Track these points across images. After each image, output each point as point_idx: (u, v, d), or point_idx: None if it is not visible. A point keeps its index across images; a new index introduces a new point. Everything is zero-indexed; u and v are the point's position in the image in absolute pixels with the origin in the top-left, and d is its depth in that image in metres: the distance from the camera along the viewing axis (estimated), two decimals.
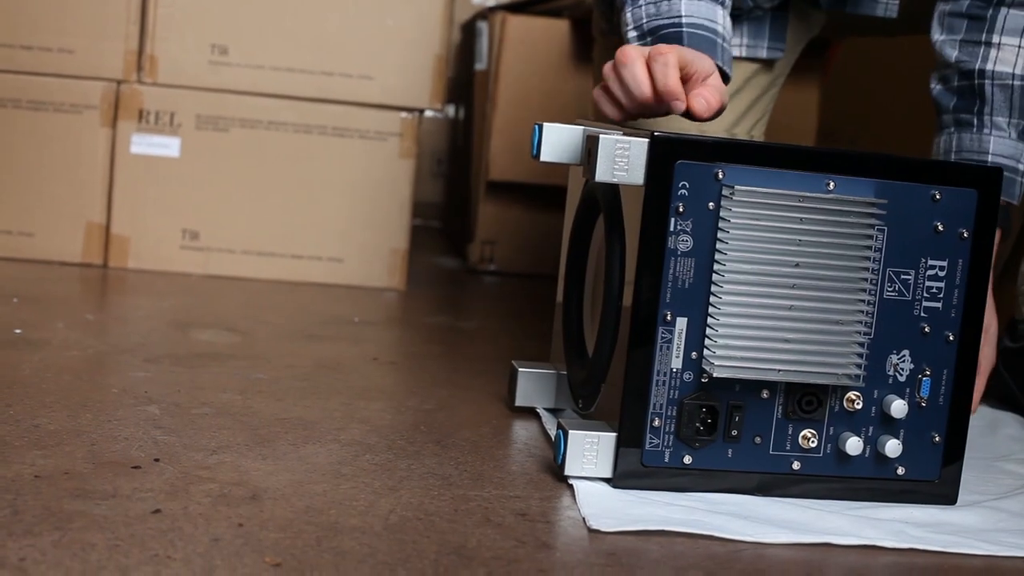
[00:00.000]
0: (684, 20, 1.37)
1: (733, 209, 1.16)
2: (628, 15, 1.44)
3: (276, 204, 2.33)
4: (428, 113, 2.70)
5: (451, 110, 3.35)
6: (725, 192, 1.16)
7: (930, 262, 1.20)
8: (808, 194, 1.17)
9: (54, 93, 2.29)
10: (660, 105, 1.29)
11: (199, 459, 1.19)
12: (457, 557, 1.00)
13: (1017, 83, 1.44)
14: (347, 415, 1.39)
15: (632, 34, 1.42)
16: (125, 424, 1.28)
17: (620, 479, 1.20)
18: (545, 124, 1.29)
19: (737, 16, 1.74)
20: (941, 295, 1.21)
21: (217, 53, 2.31)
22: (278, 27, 2.32)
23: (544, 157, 1.31)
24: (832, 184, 1.18)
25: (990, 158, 1.45)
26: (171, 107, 2.31)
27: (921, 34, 1.65)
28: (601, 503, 1.15)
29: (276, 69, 2.33)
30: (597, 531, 1.09)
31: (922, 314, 1.21)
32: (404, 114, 2.34)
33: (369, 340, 1.88)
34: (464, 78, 3.04)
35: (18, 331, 1.68)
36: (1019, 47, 1.44)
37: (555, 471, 1.23)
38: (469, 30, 2.99)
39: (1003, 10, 1.44)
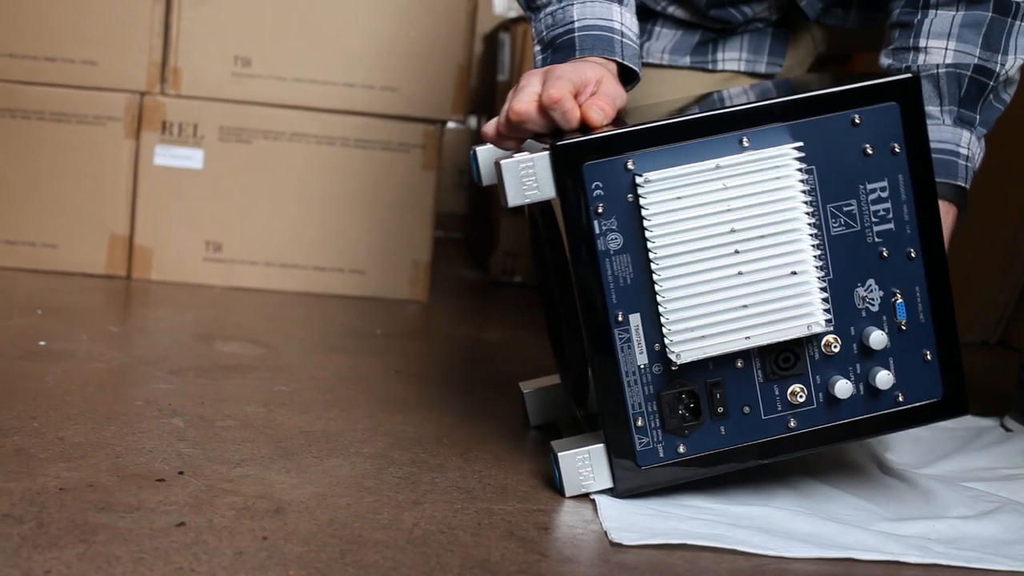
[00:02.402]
0: (576, 25, 1.36)
1: (651, 196, 1.14)
2: (532, 30, 1.44)
3: (299, 216, 2.33)
4: (450, 124, 2.70)
5: (473, 121, 3.35)
6: (639, 181, 1.14)
7: (869, 186, 1.18)
8: (724, 158, 1.15)
9: (78, 105, 2.30)
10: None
11: (223, 472, 1.19)
12: (481, 571, 1.00)
13: (943, 71, 1.43)
14: (370, 428, 1.40)
15: (536, 48, 1.42)
16: (149, 436, 1.29)
17: (623, 489, 1.20)
18: (478, 149, 1.28)
19: (737, 30, 1.75)
20: (890, 215, 1.19)
21: (240, 65, 2.32)
22: (301, 39, 2.32)
23: (485, 181, 1.31)
24: (746, 140, 1.16)
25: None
26: (194, 119, 2.32)
27: None
28: (623, 517, 1.15)
29: (299, 81, 2.33)
30: (619, 545, 1.09)
31: (876, 239, 1.18)
32: (426, 125, 2.35)
33: (392, 352, 1.88)
34: (486, 89, 3.04)
35: (42, 343, 1.68)
36: (945, 48, 1.43)
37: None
38: (491, 41, 3.00)
39: (929, 13, 1.43)
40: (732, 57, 1.77)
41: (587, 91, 1.26)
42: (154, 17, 2.31)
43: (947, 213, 1.39)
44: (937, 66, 1.42)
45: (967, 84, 1.42)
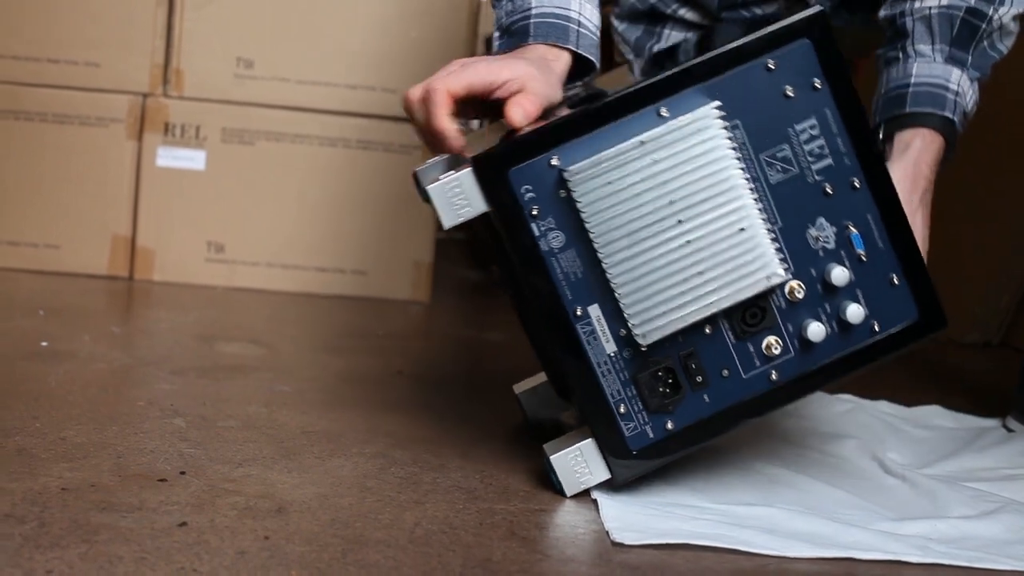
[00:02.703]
0: (533, 11, 1.35)
1: (581, 187, 1.14)
2: (494, 17, 1.43)
3: (301, 217, 2.34)
4: None
5: (476, 123, 3.35)
6: (566, 176, 1.14)
7: (798, 128, 1.17)
8: (646, 134, 1.14)
9: (80, 106, 2.30)
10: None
11: (225, 472, 1.19)
12: (482, 571, 1.01)
13: (935, 11, 1.43)
14: (372, 428, 1.40)
15: (495, 35, 1.41)
16: (151, 437, 1.29)
17: (622, 478, 1.20)
18: (418, 170, 1.27)
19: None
20: (826, 151, 1.18)
21: (243, 66, 2.32)
22: (303, 40, 2.32)
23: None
24: (664, 111, 1.15)
25: (913, 80, 1.43)
26: (197, 120, 2.32)
27: None
28: (625, 517, 1.15)
29: (301, 82, 2.33)
30: (621, 544, 1.09)
31: (817, 177, 1.18)
32: None
33: (393, 353, 1.88)
34: None
35: (44, 343, 1.68)
36: None
37: None
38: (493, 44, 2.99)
39: None
40: None
41: (506, 88, 1.24)
42: (157, 19, 2.31)
43: (932, 142, 1.40)
44: (930, 8, 1.42)
45: (959, 25, 1.42)
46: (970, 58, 1.43)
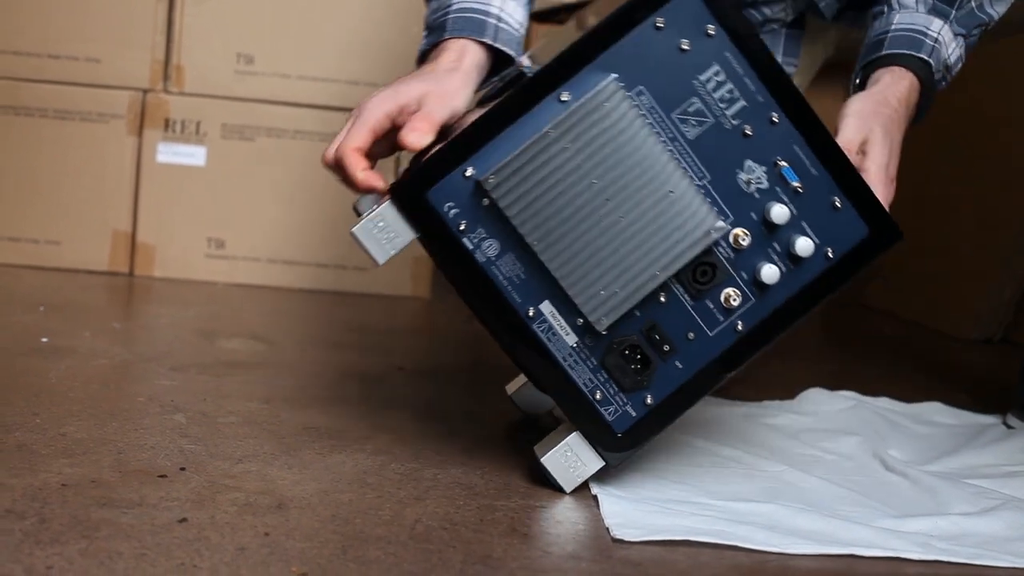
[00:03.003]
0: (453, 7, 1.34)
1: (501, 191, 1.14)
2: (424, 16, 1.43)
3: (301, 213, 2.34)
4: None
5: None
6: (484, 184, 1.13)
7: (702, 77, 1.16)
8: (552, 123, 1.13)
9: (81, 102, 2.30)
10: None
11: (225, 468, 1.19)
12: (483, 567, 1.00)
13: None
14: (373, 424, 1.39)
15: (423, 34, 1.41)
16: (151, 433, 1.29)
17: (616, 461, 1.20)
18: (356, 202, 1.25)
19: None
20: (736, 93, 1.17)
21: (243, 62, 2.32)
22: (303, 36, 2.32)
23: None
24: (565, 95, 1.14)
25: (892, 27, 1.43)
26: (197, 116, 2.32)
27: None
28: (625, 513, 1.15)
29: (302, 78, 2.33)
30: (621, 541, 1.09)
31: (734, 122, 1.17)
32: None
33: (394, 349, 1.88)
34: None
35: (45, 339, 1.68)
36: None
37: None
38: None
39: None
40: None
41: (404, 115, 1.24)
42: (157, 15, 2.31)
43: (901, 78, 1.39)
44: None
45: None
46: (954, 12, 1.43)
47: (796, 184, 1.18)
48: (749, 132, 1.17)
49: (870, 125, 1.32)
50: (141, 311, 2.12)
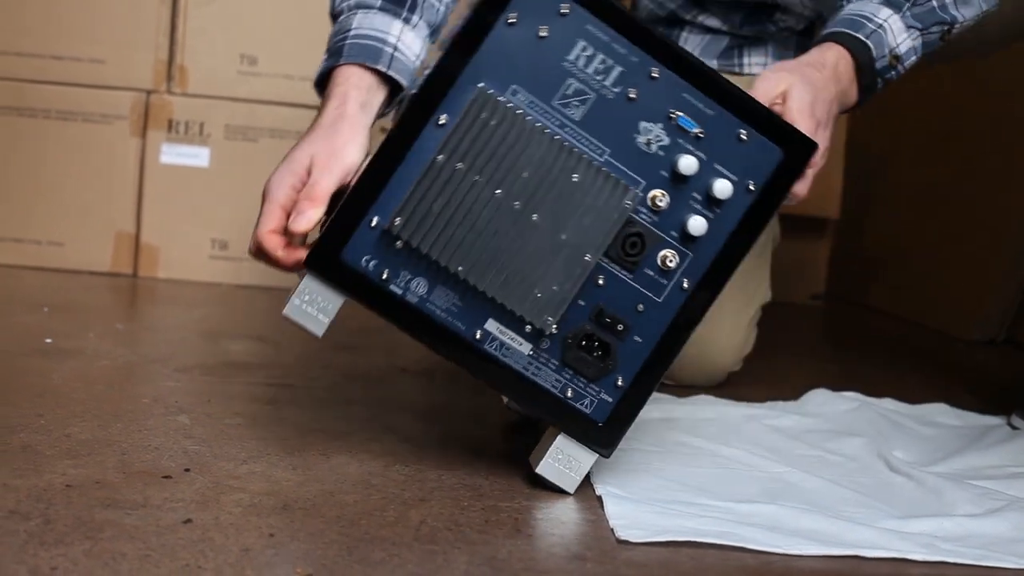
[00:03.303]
0: (351, 32, 1.33)
1: (410, 230, 1.14)
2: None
3: None
4: None
5: None
6: (392, 229, 1.13)
7: (571, 57, 1.15)
8: (437, 149, 1.13)
9: (84, 103, 2.30)
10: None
11: (230, 469, 1.19)
12: (488, 568, 1.00)
13: None
14: (377, 426, 1.39)
15: (324, 56, 1.40)
16: (156, 434, 1.29)
17: (608, 450, 1.20)
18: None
19: (764, 39, 1.76)
20: (610, 61, 1.16)
21: (246, 63, 2.32)
22: (306, 37, 2.32)
23: None
24: (443, 118, 1.14)
25: (841, 14, 1.45)
26: (200, 117, 2.32)
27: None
28: (630, 514, 1.15)
29: (305, 79, 2.32)
30: (626, 542, 1.09)
31: (615, 90, 1.16)
32: None
33: (397, 350, 1.88)
34: None
35: (49, 340, 1.68)
36: None
37: (584, 482, 1.23)
38: None
39: None
40: (758, 62, 1.78)
41: (306, 180, 1.24)
42: (161, 16, 2.32)
43: (829, 48, 1.40)
44: None
45: None
46: (909, 5, 1.44)
47: (696, 131, 1.17)
48: (633, 95, 1.16)
49: (788, 79, 1.32)
50: (145, 312, 2.12)
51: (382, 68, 1.29)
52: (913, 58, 1.45)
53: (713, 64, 1.78)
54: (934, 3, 1.46)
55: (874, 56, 1.41)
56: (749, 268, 1.79)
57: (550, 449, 1.20)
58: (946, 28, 1.47)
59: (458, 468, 1.26)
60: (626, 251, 1.17)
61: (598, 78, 1.16)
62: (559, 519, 1.14)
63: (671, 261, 1.18)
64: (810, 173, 1.27)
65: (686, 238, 1.18)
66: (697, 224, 1.17)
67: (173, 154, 2.33)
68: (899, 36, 1.43)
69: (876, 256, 2.92)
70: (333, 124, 1.27)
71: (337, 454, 1.27)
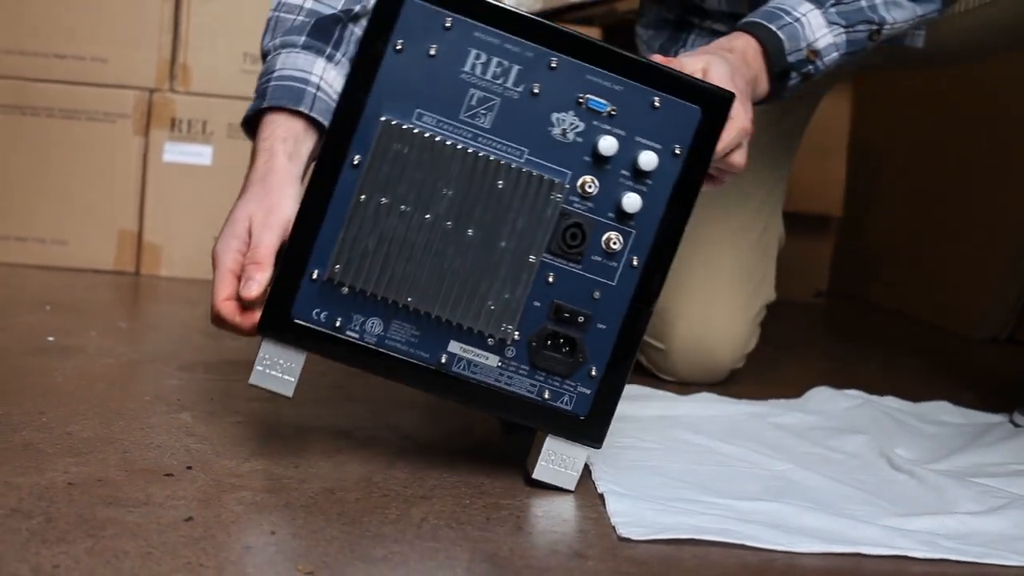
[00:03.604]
0: (275, 74, 1.32)
1: (350, 274, 1.14)
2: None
3: None
4: None
5: None
6: (333, 278, 1.14)
7: (466, 69, 1.14)
8: (357, 190, 1.13)
9: (87, 102, 2.30)
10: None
11: (231, 467, 1.19)
12: (489, 565, 1.00)
13: None
14: (379, 423, 1.40)
15: (253, 96, 1.40)
16: (158, 432, 1.29)
17: (599, 443, 1.20)
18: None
19: None
20: (506, 62, 1.14)
21: (249, 62, 2.32)
22: None
23: None
24: (356, 158, 1.13)
25: (762, 8, 1.45)
26: (203, 115, 2.32)
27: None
28: (632, 511, 1.15)
29: None
30: (628, 539, 1.09)
31: (519, 89, 1.15)
32: None
33: None
34: None
35: (51, 338, 1.69)
36: None
37: (584, 478, 1.23)
38: None
39: None
40: None
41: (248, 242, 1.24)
42: (163, 14, 2.32)
43: (737, 37, 1.40)
44: None
45: None
46: (832, 1, 1.45)
47: (608, 109, 1.16)
48: (537, 90, 1.15)
49: (706, 58, 1.31)
50: (147, 310, 2.12)
51: (304, 110, 1.29)
52: (835, 54, 1.45)
53: None
54: (862, 2, 1.47)
55: (785, 48, 1.41)
56: (753, 266, 1.79)
57: (542, 452, 1.20)
58: (874, 28, 1.47)
59: (459, 466, 1.26)
60: (568, 243, 1.17)
61: (499, 82, 1.15)
62: (561, 516, 1.15)
63: (615, 243, 1.17)
64: (743, 141, 1.27)
65: (624, 217, 1.17)
66: (632, 201, 1.16)
67: (176, 152, 2.33)
68: (818, 31, 1.43)
69: (879, 254, 2.92)
70: (263, 180, 1.27)
71: (339, 452, 1.27)
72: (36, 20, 2.29)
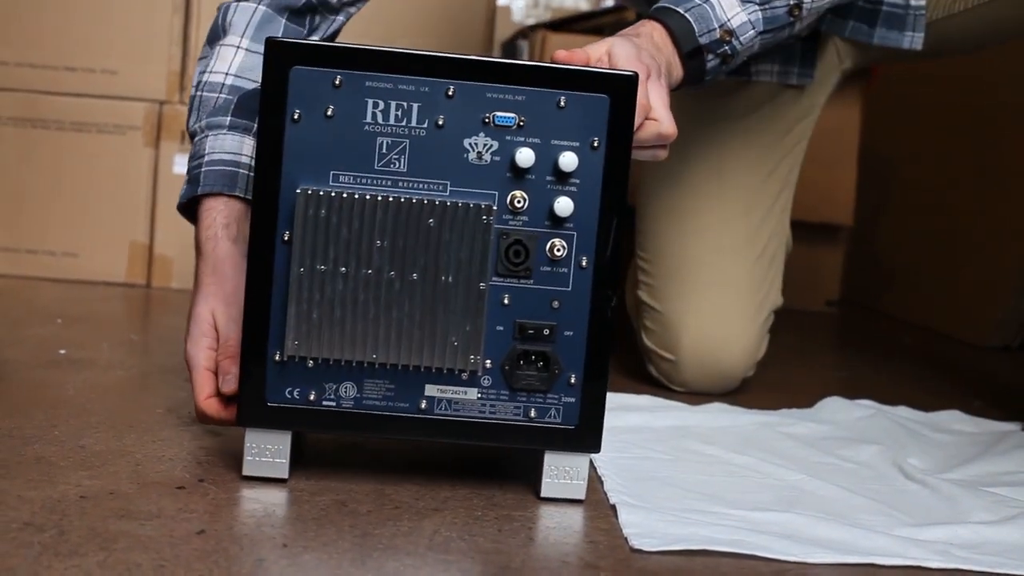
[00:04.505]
0: (205, 159, 1.34)
1: (309, 347, 1.15)
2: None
3: None
4: None
5: None
6: (295, 355, 1.15)
7: (367, 119, 1.14)
8: (295, 264, 1.13)
9: (98, 114, 2.30)
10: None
11: (243, 479, 1.19)
12: None
13: None
14: None
15: (185, 181, 1.40)
16: (170, 444, 1.29)
17: (597, 449, 1.20)
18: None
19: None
20: (404, 104, 1.14)
21: None
22: None
23: None
24: (286, 234, 1.14)
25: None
26: None
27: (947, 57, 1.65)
28: (644, 523, 1.15)
29: None
30: (640, 551, 1.09)
31: (423, 126, 1.14)
32: None
33: None
34: None
35: (63, 351, 1.69)
36: None
37: (596, 490, 1.23)
38: (510, 49, 3.00)
39: None
40: (765, 68, 1.78)
41: (218, 338, 1.27)
42: (173, 27, 2.32)
43: (642, 24, 1.39)
44: None
45: None
46: None
47: (515, 122, 1.16)
48: (441, 122, 1.15)
49: (609, 41, 1.29)
50: (159, 322, 2.12)
51: (239, 195, 1.30)
52: (751, 32, 1.44)
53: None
54: None
55: (695, 29, 1.39)
56: (761, 276, 1.79)
57: (544, 470, 1.20)
58: (793, 3, 1.46)
59: (471, 478, 1.26)
60: (513, 262, 1.17)
61: (403, 124, 1.15)
62: (572, 528, 1.14)
63: (559, 250, 1.17)
64: (662, 115, 1.25)
65: (560, 221, 1.17)
66: (564, 205, 1.16)
67: (186, 165, 2.33)
68: (730, 11, 1.41)
69: (889, 262, 2.92)
70: (215, 271, 1.30)
71: (350, 464, 1.27)
72: (46, 34, 2.30)
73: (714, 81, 1.47)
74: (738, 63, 1.47)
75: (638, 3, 1.81)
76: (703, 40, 1.39)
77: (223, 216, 1.33)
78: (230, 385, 1.22)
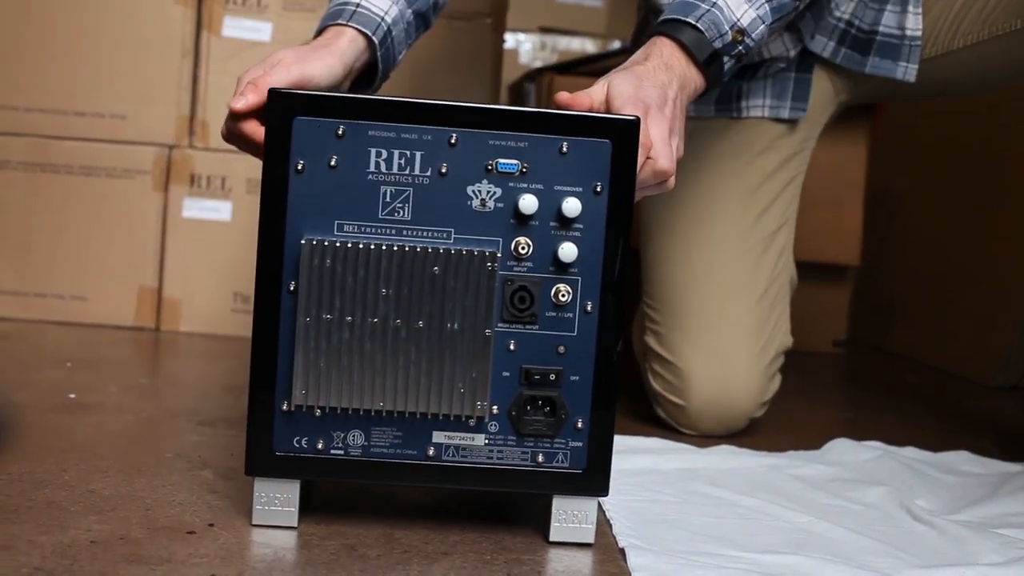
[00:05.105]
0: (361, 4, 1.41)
1: (317, 396, 1.16)
2: None
3: None
4: None
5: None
6: (303, 406, 1.16)
7: (371, 168, 1.15)
8: (301, 315, 1.15)
9: (107, 158, 2.31)
10: None
11: (253, 524, 1.19)
12: None
13: None
14: None
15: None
16: (179, 489, 1.29)
17: (605, 491, 1.20)
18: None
19: (759, 75, 1.76)
20: (407, 152, 1.15)
21: None
22: None
23: None
24: (291, 284, 1.16)
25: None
26: (222, 171, 2.33)
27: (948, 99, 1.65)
28: (653, 565, 1.15)
29: None
30: None
31: (426, 173, 1.15)
32: None
33: None
34: None
35: (72, 395, 1.69)
36: None
37: (605, 533, 1.23)
38: (517, 91, 3.01)
39: None
40: (756, 104, 1.78)
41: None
42: (182, 71, 2.33)
43: (651, 44, 1.39)
44: None
45: None
46: None
47: (518, 168, 1.17)
48: (444, 170, 1.16)
49: (607, 79, 1.31)
50: (168, 366, 2.13)
51: (342, 23, 1.37)
52: (762, 27, 1.43)
53: (710, 111, 1.79)
54: None
55: (707, 37, 1.39)
56: (765, 316, 1.79)
57: (552, 514, 1.21)
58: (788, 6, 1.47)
59: (480, 521, 1.26)
60: (518, 308, 1.17)
61: (406, 172, 1.16)
62: (582, 572, 1.15)
63: (564, 295, 1.17)
64: (667, 149, 1.26)
65: (565, 267, 1.17)
66: (568, 251, 1.16)
67: (195, 208, 2.34)
68: (738, 10, 1.41)
69: (896, 302, 2.92)
70: (315, 48, 1.36)
71: (359, 507, 1.27)
72: (55, 79, 2.31)
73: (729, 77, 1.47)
74: (752, 57, 1.47)
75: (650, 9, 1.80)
76: (717, 45, 1.39)
77: (339, 34, 1.38)
78: (236, 103, 1.26)
